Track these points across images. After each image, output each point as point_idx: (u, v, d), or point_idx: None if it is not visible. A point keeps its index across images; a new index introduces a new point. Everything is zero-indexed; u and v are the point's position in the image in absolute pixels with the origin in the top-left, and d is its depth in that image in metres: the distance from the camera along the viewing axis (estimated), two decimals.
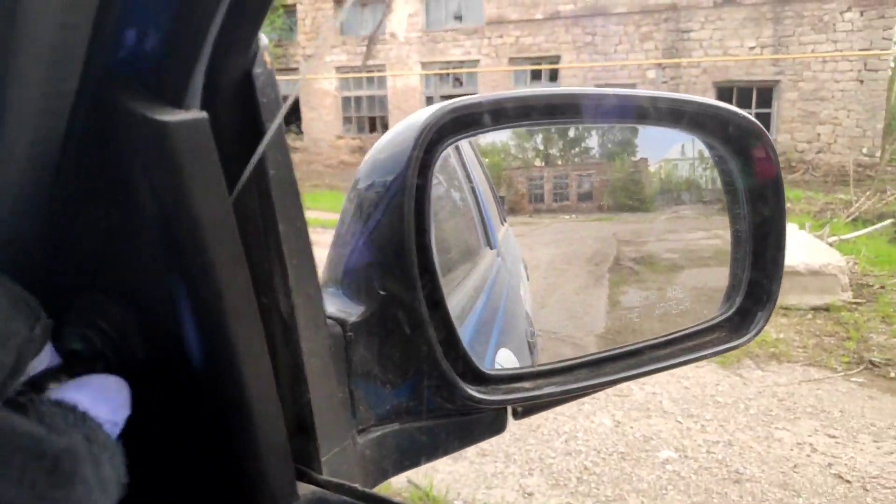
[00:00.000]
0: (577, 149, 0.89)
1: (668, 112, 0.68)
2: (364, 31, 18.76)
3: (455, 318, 0.56)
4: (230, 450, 0.44)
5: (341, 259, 0.56)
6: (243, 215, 0.41)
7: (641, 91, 0.69)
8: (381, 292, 0.54)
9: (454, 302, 0.61)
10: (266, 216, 0.42)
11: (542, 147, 0.87)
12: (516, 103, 0.58)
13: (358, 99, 19.28)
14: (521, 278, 0.97)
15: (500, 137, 0.84)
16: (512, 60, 17.47)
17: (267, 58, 0.40)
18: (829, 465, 3.47)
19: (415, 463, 0.58)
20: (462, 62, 18.03)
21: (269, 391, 0.44)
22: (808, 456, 3.57)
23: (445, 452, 0.60)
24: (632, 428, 3.97)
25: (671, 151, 0.85)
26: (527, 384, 0.60)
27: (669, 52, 15.89)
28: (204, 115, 0.36)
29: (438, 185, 0.62)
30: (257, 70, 0.39)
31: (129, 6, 0.31)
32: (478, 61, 17.81)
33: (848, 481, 3.33)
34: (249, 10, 0.36)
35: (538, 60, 17.30)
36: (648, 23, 16.18)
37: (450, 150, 0.64)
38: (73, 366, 0.42)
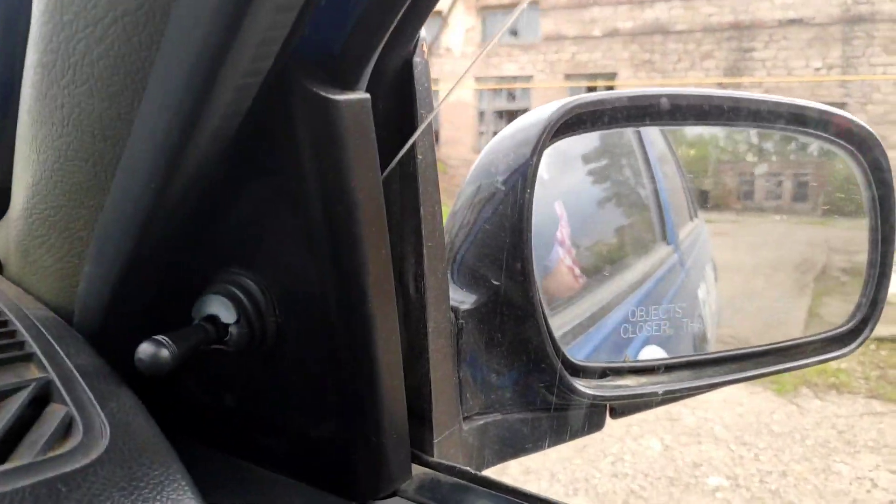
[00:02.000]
0: (793, 144, 0.85)
1: (793, 116, 0.68)
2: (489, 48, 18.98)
3: (598, 308, 0.57)
4: (353, 426, 0.46)
5: (454, 249, 0.57)
6: (389, 195, 0.43)
7: (772, 96, 0.68)
8: (494, 283, 0.55)
9: (602, 292, 0.62)
10: (409, 199, 0.44)
11: (755, 141, 0.83)
12: (644, 101, 0.59)
13: None
14: (705, 278, 0.95)
15: (708, 129, 0.83)
16: (567, 76, 17.41)
17: (426, 48, 0.42)
18: (892, 502, 3.32)
19: (514, 454, 0.59)
20: (516, 77, 18.05)
21: (397, 370, 0.46)
22: (868, 492, 3.42)
23: (544, 446, 0.61)
24: (681, 453, 3.88)
25: None
26: (630, 382, 0.60)
27: (731, 71, 15.59)
28: (368, 96, 0.38)
29: (601, 173, 0.63)
30: (416, 59, 0.41)
31: None
32: (532, 77, 17.80)
33: None
34: (419, 4, 0.38)
35: (594, 77, 17.19)
36: (710, 41, 15.91)
37: (631, 139, 0.65)
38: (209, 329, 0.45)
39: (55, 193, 0.44)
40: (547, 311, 0.58)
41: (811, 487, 3.48)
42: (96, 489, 0.34)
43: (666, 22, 15.98)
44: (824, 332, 0.70)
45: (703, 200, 1.08)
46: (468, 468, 0.49)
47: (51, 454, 0.35)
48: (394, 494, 0.47)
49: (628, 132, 0.93)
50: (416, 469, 0.50)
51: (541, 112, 0.54)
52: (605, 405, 0.62)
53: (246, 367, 0.50)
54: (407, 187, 0.44)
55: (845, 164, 0.73)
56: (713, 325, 1.03)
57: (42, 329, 0.46)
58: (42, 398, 0.40)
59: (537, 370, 0.56)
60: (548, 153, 0.73)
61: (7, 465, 0.34)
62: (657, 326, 0.82)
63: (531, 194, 0.54)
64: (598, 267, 0.83)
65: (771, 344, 0.69)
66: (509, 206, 0.54)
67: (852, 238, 0.92)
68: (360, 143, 0.39)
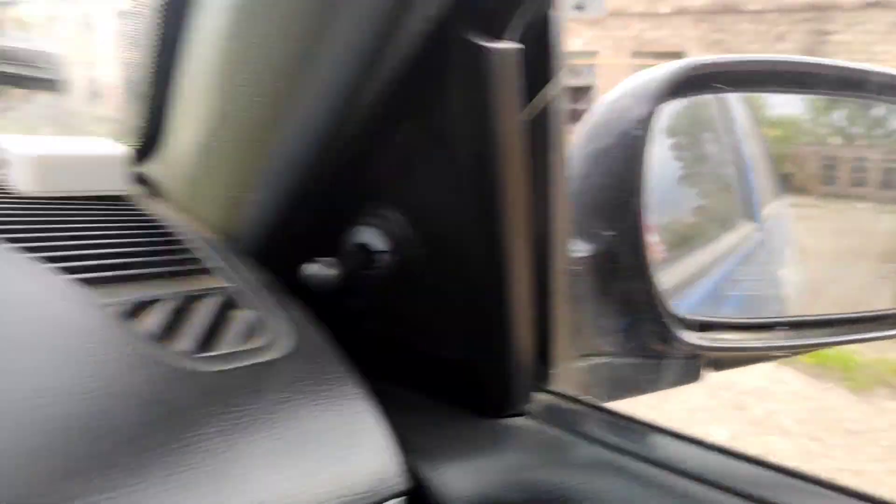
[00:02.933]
0: (883, 129, 0.83)
1: None
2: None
3: (684, 278, 0.60)
4: (487, 348, 0.50)
5: (573, 197, 0.61)
6: (526, 141, 0.47)
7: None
8: (608, 233, 0.59)
9: (687, 262, 0.65)
10: (541, 144, 0.48)
11: (843, 125, 0.83)
12: (765, 67, 0.60)
13: None
14: (785, 261, 0.96)
15: (792, 110, 0.83)
16: (634, 54, 16.99)
17: (558, 2, 0.45)
18: None
19: (619, 395, 0.63)
20: (580, 53, 17.73)
21: (527, 299, 0.50)
22: None
23: (646, 391, 0.64)
24: (748, 442, 3.81)
25: None
26: (730, 336, 0.63)
27: (807, 54, 14.88)
28: (520, 46, 0.42)
29: (691, 147, 0.65)
30: (552, 13, 0.45)
31: None
32: (596, 53, 17.45)
33: None
34: None
35: (662, 56, 16.71)
36: (785, 22, 15.21)
37: (717, 117, 0.67)
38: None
39: (233, 128, 0.50)
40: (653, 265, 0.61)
41: (887, 489, 3.36)
42: (289, 378, 0.40)
43: (739, 0, 15.39)
44: None
45: (786, 183, 1.07)
46: (587, 397, 0.53)
47: (246, 348, 0.41)
48: (518, 414, 0.52)
49: (715, 109, 0.94)
50: (539, 396, 0.54)
51: (659, 69, 0.57)
52: (702, 358, 0.65)
53: (389, 293, 0.55)
54: (540, 133, 0.47)
55: None
56: (792, 307, 1.02)
57: (213, 249, 0.53)
58: (228, 304, 0.46)
59: (645, 319, 0.59)
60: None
61: (213, 353, 0.40)
62: (745, 295, 0.84)
63: (647, 150, 0.57)
64: (687, 238, 0.85)
65: (877, 310, 0.70)
66: (624, 161, 0.58)
67: None
68: (508, 90, 0.43)
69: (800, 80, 0.64)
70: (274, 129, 0.48)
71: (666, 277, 0.72)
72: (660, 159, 0.89)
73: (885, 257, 1.02)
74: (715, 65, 0.57)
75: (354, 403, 0.42)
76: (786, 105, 0.95)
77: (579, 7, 17.67)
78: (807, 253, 1.09)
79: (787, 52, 15.08)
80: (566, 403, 0.53)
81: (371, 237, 0.50)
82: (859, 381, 4.66)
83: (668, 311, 0.59)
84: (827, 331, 0.67)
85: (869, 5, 13.98)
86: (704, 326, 0.62)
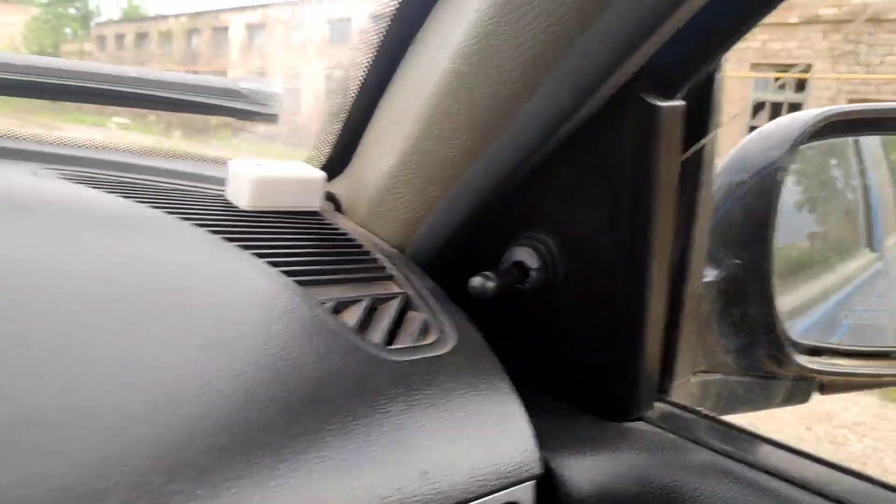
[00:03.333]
0: None
1: None
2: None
3: (801, 303, 0.65)
4: (618, 356, 0.58)
5: None
6: (682, 179, 0.54)
7: None
8: (736, 261, 0.65)
9: (805, 287, 0.69)
10: (696, 181, 0.55)
11: None
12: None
13: None
14: None
15: None
16: (754, 66, 16.18)
17: (725, 66, 0.52)
18: None
19: (729, 410, 0.69)
20: None
21: (661, 314, 0.57)
22: None
23: (755, 409, 0.70)
24: None
25: None
26: (841, 361, 0.67)
27: None
28: (684, 104, 0.50)
29: (815, 173, 0.70)
30: (718, 75, 0.52)
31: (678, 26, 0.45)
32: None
33: None
34: (732, 34, 0.48)
35: (785, 68, 15.82)
36: None
37: (849, 146, 0.72)
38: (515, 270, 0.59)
39: (424, 163, 0.60)
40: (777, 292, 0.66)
41: None
42: (456, 369, 0.49)
43: (879, 9, 14.30)
44: None
45: None
46: (704, 410, 0.60)
47: (419, 344, 0.51)
48: (640, 419, 0.59)
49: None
50: (658, 405, 0.61)
51: (800, 115, 0.63)
52: (813, 381, 0.70)
53: (538, 304, 0.63)
54: (693, 175, 0.55)
55: None
56: None
57: (392, 259, 0.63)
58: (407, 306, 0.57)
59: (760, 341, 0.65)
60: None
61: (398, 346, 0.50)
62: (859, 323, 0.86)
63: (779, 188, 0.63)
64: (807, 263, 0.89)
65: None
66: (759, 197, 0.64)
67: None
68: (670, 139, 0.51)
69: None
70: (461, 170, 0.57)
71: (783, 301, 0.77)
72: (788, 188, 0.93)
73: None
74: (858, 113, 0.62)
75: (505, 397, 0.51)
76: None
77: None
78: None
79: None
80: (682, 412, 0.60)
81: (526, 256, 0.59)
82: None
83: (782, 334, 0.65)
84: None
85: None
86: (815, 351, 0.67)
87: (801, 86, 15.55)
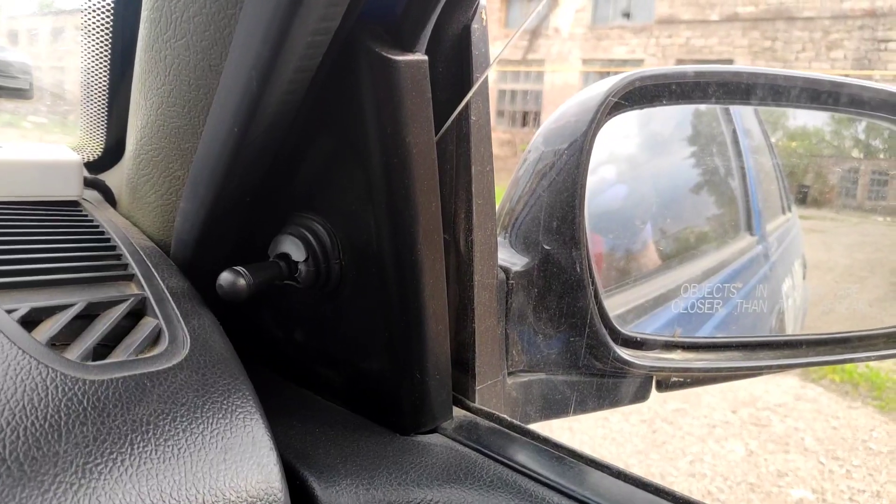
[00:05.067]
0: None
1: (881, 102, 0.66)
2: (529, 24, 18.69)
3: (668, 290, 0.59)
4: (401, 364, 0.50)
5: (512, 213, 0.60)
6: (443, 153, 0.46)
7: (852, 79, 0.66)
8: (546, 247, 0.58)
9: (675, 273, 0.63)
10: (462, 156, 0.47)
11: (863, 137, 0.83)
12: (710, 78, 0.59)
13: (513, 93, 19.30)
14: (792, 274, 0.94)
15: (813, 122, 0.82)
16: (679, 62, 16.66)
17: (484, 15, 0.44)
18: None
19: (557, 413, 0.62)
20: (625, 61, 17.47)
21: (442, 316, 0.49)
22: None
23: (587, 410, 0.63)
24: (766, 460, 3.71)
25: None
26: (676, 356, 0.61)
27: (861, 63, 14.40)
28: (425, 58, 0.42)
29: (692, 160, 0.63)
30: (475, 25, 0.44)
31: None
32: (642, 61, 17.17)
33: None
34: None
35: (707, 64, 16.34)
36: (839, 29, 14.73)
37: (724, 128, 0.65)
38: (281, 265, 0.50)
39: (158, 136, 0.51)
40: (599, 280, 0.59)
41: None
42: (175, 388, 0.40)
43: (792, 7, 14.92)
44: (891, 326, 0.67)
45: (802, 195, 1.06)
46: (505, 415, 0.52)
47: (140, 357, 0.42)
48: (434, 430, 0.51)
49: (722, 122, 0.92)
50: (457, 411, 0.54)
51: (601, 85, 0.56)
52: (652, 378, 0.63)
53: (312, 303, 0.55)
54: (460, 146, 0.47)
55: None
56: (795, 322, 1.01)
57: (143, 255, 0.53)
58: (138, 311, 0.47)
59: (582, 335, 0.58)
60: (637, 131, 0.74)
61: (105, 361, 0.41)
62: (729, 312, 0.82)
63: (586, 165, 0.56)
64: (678, 250, 0.84)
65: (831, 333, 0.67)
66: (564, 177, 0.57)
67: None
68: (417, 103, 0.42)
69: (749, 90, 0.61)
70: (194, 137, 0.48)
71: (638, 296, 0.71)
72: (665, 173, 0.88)
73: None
74: (657, 76, 0.56)
75: (236, 417, 0.42)
76: (807, 116, 0.93)
77: (626, 15, 17.42)
78: (817, 268, 1.07)
79: (841, 60, 14.61)
80: (484, 421, 0.52)
81: (292, 246, 0.50)
82: (888, 401, 4.51)
83: (606, 327, 0.58)
84: (781, 353, 0.64)
85: None
86: (643, 344, 0.60)
87: None
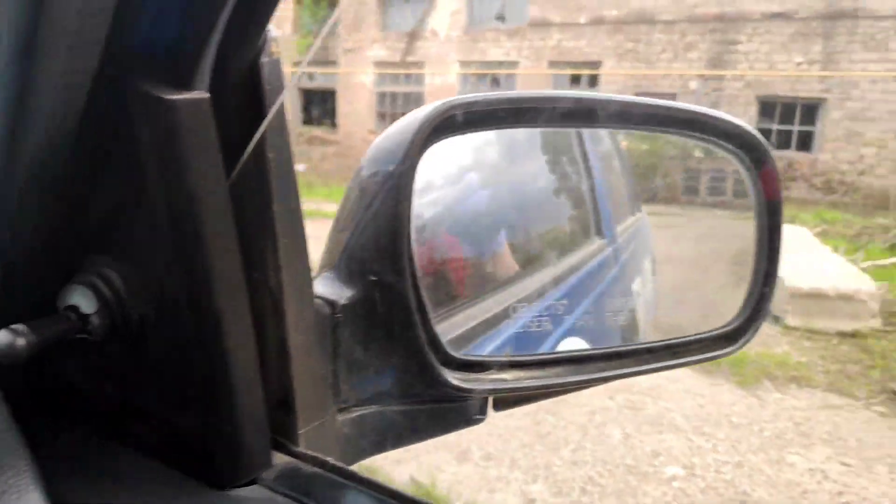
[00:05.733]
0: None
1: (678, 121, 0.70)
2: (406, 26, 18.80)
3: (517, 301, 0.58)
4: (210, 415, 0.47)
5: (339, 243, 0.58)
6: (242, 194, 0.43)
7: (646, 98, 0.70)
8: (371, 277, 0.56)
9: (521, 285, 0.62)
10: (263, 195, 0.45)
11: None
12: (515, 105, 0.60)
13: (394, 95, 19.33)
14: (642, 272, 0.97)
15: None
16: (552, 64, 17.37)
17: (274, 48, 0.42)
18: (840, 493, 3.41)
19: (393, 445, 0.61)
20: (501, 63, 17.96)
21: (251, 361, 0.47)
22: (819, 483, 3.51)
23: (423, 437, 0.62)
24: (641, 441, 3.94)
25: None
26: (508, 376, 0.62)
27: (714, 62, 15.65)
28: (206, 95, 0.39)
29: (540, 169, 0.63)
30: (264, 59, 0.42)
31: None
32: (517, 63, 17.73)
33: None
34: (259, 4, 0.38)
35: (578, 65, 17.16)
36: (694, 32, 15.94)
37: (572, 139, 0.66)
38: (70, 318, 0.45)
39: None
40: (429, 306, 0.59)
41: (765, 478, 3.56)
42: None
43: (651, 11, 15.98)
44: (714, 331, 0.72)
45: (652, 195, 1.11)
46: (329, 459, 0.50)
47: None
48: (253, 482, 0.48)
49: (570, 131, 0.95)
50: (279, 458, 0.51)
51: (417, 113, 0.55)
52: (489, 398, 0.64)
53: (116, 355, 0.50)
54: (259, 185, 0.44)
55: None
56: (648, 317, 1.06)
57: None
58: None
59: (413, 364, 0.57)
60: (485, 143, 0.74)
61: None
62: (578, 320, 0.84)
63: (408, 192, 0.55)
64: (527, 260, 0.85)
65: (658, 341, 0.71)
66: (387, 206, 0.55)
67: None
68: (200, 142, 0.40)
69: (563, 116, 0.64)
70: None
71: (477, 313, 0.71)
72: (513, 183, 0.88)
73: (736, 259, 1.07)
74: (467, 104, 0.56)
75: (9, 499, 0.37)
76: None
77: (500, 18, 17.92)
78: (666, 261, 1.13)
79: (696, 61, 15.76)
80: (307, 467, 0.50)
81: (81, 297, 0.45)
82: (746, 376, 4.94)
83: (437, 354, 0.57)
84: (607, 364, 0.67)
85: (771, 16, 14.85)
86: (477, 367, 0.61)
87: (593, 81, 16.98)
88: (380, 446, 0.60)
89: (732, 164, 0.76)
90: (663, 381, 4.68)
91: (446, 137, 0.58)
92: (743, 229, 1.05)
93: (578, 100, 0.67)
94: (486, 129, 0.61)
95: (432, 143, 0.57)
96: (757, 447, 3.93)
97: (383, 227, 0.56)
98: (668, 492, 3.44)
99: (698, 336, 0.70)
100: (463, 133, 0.59)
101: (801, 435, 4.06)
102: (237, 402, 0.46)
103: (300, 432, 0.52)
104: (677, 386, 4.66)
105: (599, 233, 1.03)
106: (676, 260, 1.13)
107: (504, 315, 0.74)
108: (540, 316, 0.78)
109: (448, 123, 0.56)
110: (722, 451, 3.90)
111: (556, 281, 0.86)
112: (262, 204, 0.45)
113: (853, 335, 5.50)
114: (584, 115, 0.67)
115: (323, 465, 0.50)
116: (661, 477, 3.59)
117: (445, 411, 0.62)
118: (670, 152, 1.09)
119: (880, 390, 4.60)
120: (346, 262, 0.58)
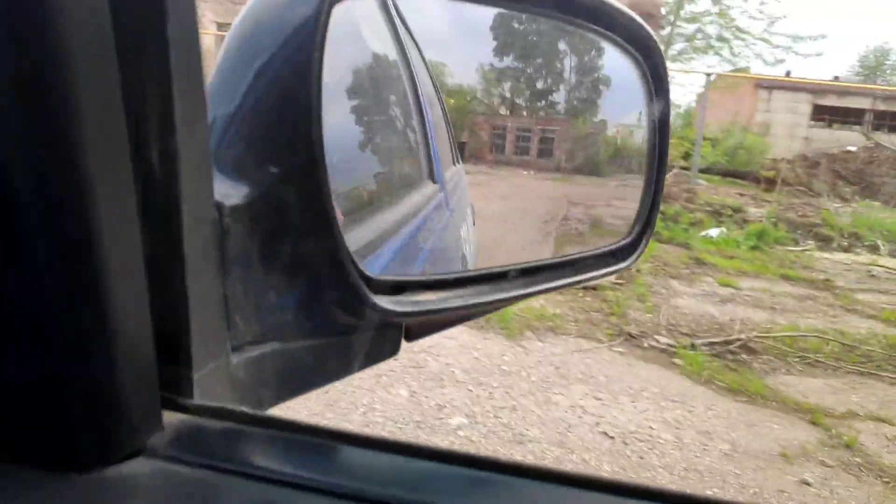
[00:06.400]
0: (543, 102, 0.87)
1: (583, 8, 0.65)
2: None
3: (374, 240, 0.48)
4: (58, 371, 0.30)
5: (218, 123, 0.43)
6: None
7: None
8: (272, 169, 0.42)
9: (376, 222, 0.54)
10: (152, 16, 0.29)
11: (508, 95, 0.84)
12: None
13: None
14: (466, 219, 0.95)
15: (466, 81, 0.79)
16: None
17: None
18: (597, 423, 3.88)
19: (297, 391, 0.48)
20: None
21: (138, 279, 0.31)
22: (580, 417, 3.95)
23: (332, 378, 0.50)
24: (427, 397, 4.06)
25: (629, 117, 0.86)
26: (429, 297, 0.52)
27: None
28: None
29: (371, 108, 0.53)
30: None
31: None
32: None
33: (611, 437, 3.75)
34: None
35: None
36: None
37: (404, 79, 0.55)
38: None
39: None
40: (339, 212, 0.47)
41: (536, 418, 3.91)
42: None
43: None
44: (610, 245, 0.70)
45: (461, 151, 1.13)
46: (240, 408, 0.37)
47: None
48: (137, 453, 0.33)
49: (402, 69, 0.89)
50: (171, 416, 0.36)
51: None
52: (400, 327, 0.54)
53: None
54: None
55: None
56: (472, 263, 1.07)
57: None
58: None
59: (329, 285, 0.45)
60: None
61: None
62: (426, 261, 0.80)
63: (321, 58, 0.42)
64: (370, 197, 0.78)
65: (566, 256, 0.67)
66: (291, 75, 0.42)
67: (588, 193, 1.04)
68: None
69: None
70: None
71: (352, 236, 0.61)
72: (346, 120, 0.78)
73: (543, 217, 1.12)
74: None
75: None
76: (462, 75, 0.95)
77: None
78: (479, 216, 1.15)
79: None
80: (210, 421, 0.35)
81: None
82: (511, 329, 5.37)
83: (356, 274, 0.45)
84: (528, 280, 0.61)
85: None
86: (399, 288, 0.50)
87: None
88: (282, 394, 0.46)
89: (628, 70, 0.74)
90: (441, 339, 4.87)
91: None
92: (548, 189, 1.11)
93: None
94: None
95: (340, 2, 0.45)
96: (526, 391, 4.30)
97: (289, 104, 0.42)
98: (455, 441, 3.60)
99: (600, 250, 0.67)
100: None
101: (561, 377, 4.54)
102: (115, 343, 0.30)
103: (195, 378, 0.37)
104: (454, 342, 4.90)
105: (432, 177, 1.02)
106: (487, 216, 1.17)
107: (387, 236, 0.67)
108: (394, 256, 0.72)
109: None
110: (498, 397, 4.19)
111: (405, 220, 0.81)
112: (151, 30, 0.30)
113: (594, 288, 6.29)
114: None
115: (231, 415, 0.36)
116: (448, 428, 3.74)
117: (356, 344, 0.51)
118: (477, 108, 1.10)
119: (618, 333, 5.34)
120: (231, 151, 0.43)
